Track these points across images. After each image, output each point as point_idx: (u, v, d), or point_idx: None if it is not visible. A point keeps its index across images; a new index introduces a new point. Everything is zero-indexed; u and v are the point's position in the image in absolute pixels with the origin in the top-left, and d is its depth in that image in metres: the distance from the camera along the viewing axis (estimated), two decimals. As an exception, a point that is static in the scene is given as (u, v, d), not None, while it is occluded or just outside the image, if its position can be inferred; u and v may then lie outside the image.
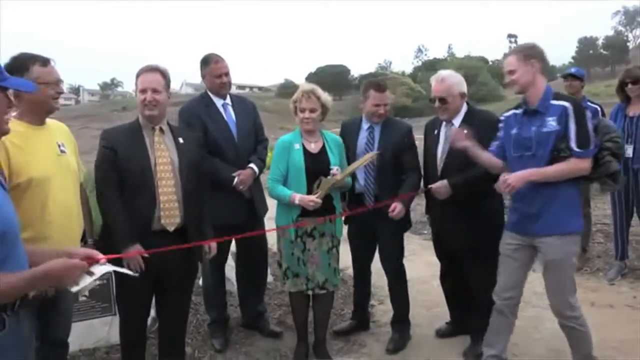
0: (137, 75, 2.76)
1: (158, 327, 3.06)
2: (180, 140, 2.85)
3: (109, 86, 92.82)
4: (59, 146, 2.39)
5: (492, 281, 3.41)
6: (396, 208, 3.33)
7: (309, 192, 3.17)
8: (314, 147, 3.28)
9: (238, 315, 4.00)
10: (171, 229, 2.71)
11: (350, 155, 3.49)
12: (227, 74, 3.54)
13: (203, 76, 3.60)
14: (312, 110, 3.21)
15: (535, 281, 4.68)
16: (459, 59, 64.61)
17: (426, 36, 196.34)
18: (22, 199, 2.15)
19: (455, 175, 3.21)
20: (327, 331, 3.54)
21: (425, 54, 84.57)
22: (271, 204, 3.55)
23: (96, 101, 74.17)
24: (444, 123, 3.38)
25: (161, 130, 2.80)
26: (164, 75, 2.78)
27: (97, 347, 3.41)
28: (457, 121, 3.30)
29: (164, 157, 2.74)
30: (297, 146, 3.25)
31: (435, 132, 3.42)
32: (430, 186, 3.26)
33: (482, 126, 3.20)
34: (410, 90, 56.31)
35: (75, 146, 2.59)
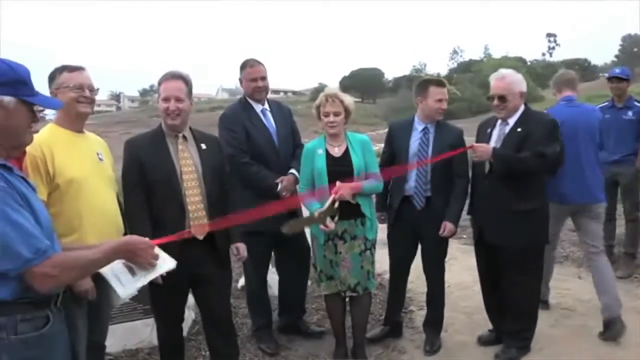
0: (160, 83, 2.74)
1: (204, 326, 3.07)
2: (203, 146, 2.84)
3: (148, 92, 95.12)
4: (98, 154, 2.49)
5: (532, 286, 3.33)
6: (446, 227, 3.37)
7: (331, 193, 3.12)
8: (337, 151, 3.27)
9: (275, 320, 4.01)
10: (201, 237, 2.73)
11: (403, 157, 3.46)
12: (263, 78, 3.56)
13: (240, 80, 3.65)
14: (336, 114, 3.19)
15: (579, 289, 4.55)
16: (496, 59, 63.12)
17: (462, 37, 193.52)
18: (62, 201, 2.25)
19: (502, 176, 3.17)
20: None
21: (461, 55, 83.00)
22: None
23: (136, 107, 76.40)
24: (498, 122, 3.33)
25: (184, 137, 2.79)
26: (187, 82, 2.76)
27: (139, 348, 3.48)
28: (512, 121, 3.25)
29: (188, 165, 2.74)
30: (320, 151, 3.25)
31: (488, 130, 3.37)
32: (473, 144, 3.22)
33: (536, 128, 3.17)
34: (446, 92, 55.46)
35: (112, 160, 2.66)
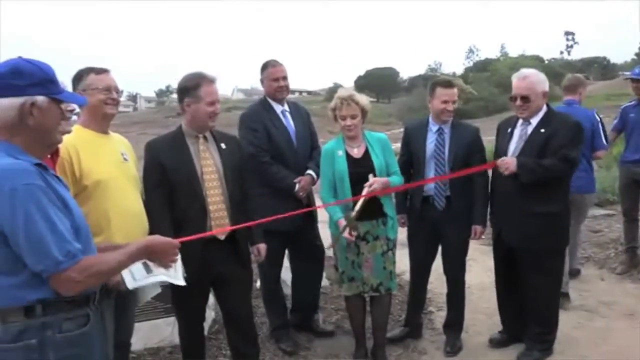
0: (197, 86, 2.68)
1: (225, 325, 3.09)
2: (223, 146, 2.84)
3: (164, 93, 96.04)
4: (122, 154, 2.51)
5: (552, 288, 3.29)
6: (477, 231, 3.39)
7: (353, 196, 3.11)
8: (356, 152, 3.25)
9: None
10: (222, 237, 2.75)
11: (420, 158, 3.45)
12: (284, 78, 3.59)
13: (261, 80, 3.67)
14: (353, 117, 3.18)
15: (602, 290, 4.49)
16: (512, 58, 62.55)
17: (478, 36, 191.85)
18: (90, 202, 2.27)
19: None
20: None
21: (477, 55, 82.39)
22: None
23: (152, 108, 77.14)
24: (519, 122, 3.29)
25: (205, 138, 2.80)
26: None
27: (160, 346, 3.51)
28: (535, 121, 3.22)
29: (209, 165, 2.75)
30: (340, 153, 3.23)
31: (509, 130, 3.34)
32: (500, 159, 3.17)
33: (561, 129, 3.13)
34: (462, 91, 55.12)
35: (135, 159, 2.68)
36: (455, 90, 3.45)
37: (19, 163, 1.53)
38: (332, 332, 3.82)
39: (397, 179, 3.26)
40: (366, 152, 3.25)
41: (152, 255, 1.80)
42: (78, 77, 2.42)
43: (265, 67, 3.62)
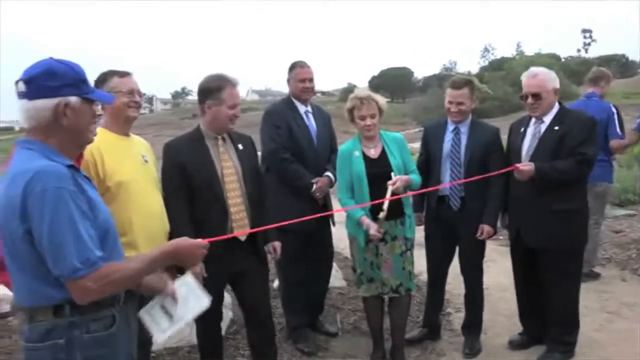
0: (220, 88, 2.69)
1: (245, 323, 3.10)
2: (240, 146, 2.86)
3: (180, 95, 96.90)
4: (143, 156, 2.54)
5: (572, 288, 3.25)
6: (484, 230, 3.32)
7: (372, 198, 3.09)
8: (373, 153, 3.24)
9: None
10: (243, 238, 2.77)
11: (437, 158, 3.44)
12: (311, 80, 3.63)
13: (288, 81, 3.70)
14: (372, 117, 3.16)
15: (623, 292, 4.41)
16: (528, 57, 61.78)
17: (493, 34, 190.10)
18: (112, 203, 2.27)
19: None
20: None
21: (492, 53, 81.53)
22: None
23: (168, 109, 77.85)
24: (532, 120, 3.26)
25: (223, 139, 2.83)
26: None
27: (179, 346, 3.53)
28: (547, 119, 3.19)
29: (229, 167, 2.77)
30: (357, 154, 3.22)
31: (522, 129, 3.31)
32: (517, 165, 3.12)
33: (575, 127, 3.11)
34: (477, 90, 54.62)
35: (155, 161, 2.71)
36: (461, 91, 3.37)
37: (53, 165, 1.54)
38: (335, 333, 3.82)
39: (416, 178, 3.25)
40: (383, 152, 3.24)
41: (179, 259, 1.77)
42: (102, 80, 2.45)
43: (293, 67, 3.65)
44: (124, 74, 2.47)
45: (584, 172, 3.17)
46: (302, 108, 3.64)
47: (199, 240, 1.78)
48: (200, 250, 1.77)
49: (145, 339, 2.55)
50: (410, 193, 3.24)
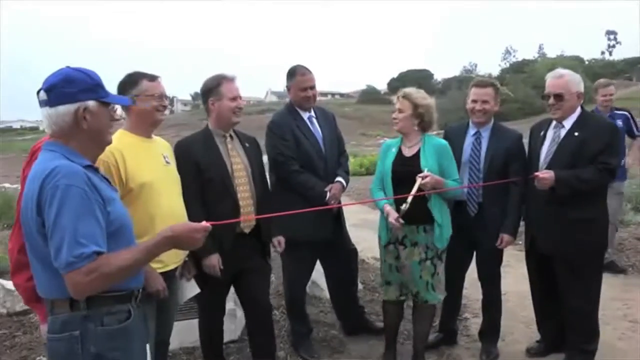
0: (219, 84, 2.87)
1: (246, 316, 3.18)
2: (247, 144, 3.03)
3: (199, 96, 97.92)
4: (164, 157, 2.57)
5: (591, 296, 3.18)
6: (504, 239, 3.29)
7: (396, 193, 3.11)
8: (408, 152, 3.23)
9: (330, 321, 4.02)
10: (247, 231, 2.93)
11: (456, 162, 3.37)
12: (312, 87, 3.51)
13: (288, 88, 3.57)
14: (400, 111, 3.18)
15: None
16: (550, 59, 60.94)
17: (515, 36, 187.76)
18: (134, 205, 2.31)
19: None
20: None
21: (514, 55, 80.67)
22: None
23: (188, 110, 78.69)
24: (552, 124, 3.21)
25: (231, 137, 2.97)
26: None
27: (196, 346, 3.55)
28: (568, 124, 3.12)
29: (238, 163, 2.92)
30: (393, 150, 3.25)
31: (542, 133, 3.26)
32: (536, 174, 3.06)
33: (596, 133, 3.03)
34: (501, 93, 53.99)
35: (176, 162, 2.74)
36: (486, 90, 3.35)
37: (69, 164, 1.62)
38: (381, 329, 3.74)
39: (454, 185, 3.15)
40: (417, 153, 3.20)
41: (179, 243, 1.76)
42: (132, 82, 2.46)
43: (292, 74, 3.50)
44: (153, 78, 2.50)
45: (605, 182, 3.11)
46: (305, 115, 3.55)
47: (201, 223, 1.78)
48: (200, 234, 1.76)
49: (161, 339, 2.60)
50: (422, 193, 3.11)
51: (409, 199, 2.96)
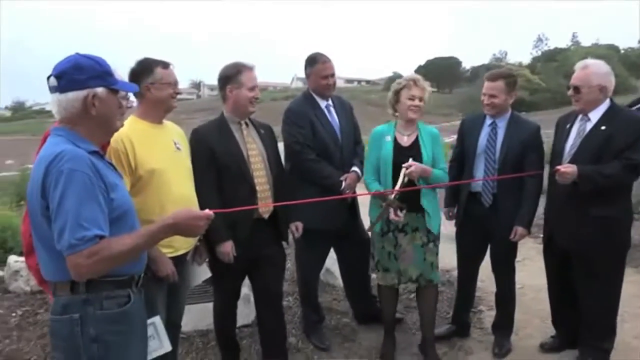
0: (239, 72, 2.86)
1: (256, 304, 3.19)
2: (262, 131, 3.04)
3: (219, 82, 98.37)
4: (175, 144, 2.59)
5: (610, 293, 3.10)
6: (517, 232, 3.23)
7: (395, 185, 3.08)
8: (406, 140, 3.21)
9: (343, 309, 4.04)
10: (266, 216, 2.95)
11: (471, 153, 3.37)
12: (332, 75, 3.49)
13: (307, 75, 3.55)
14: (421, 99, 3.15)
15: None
16: (584, 48, 59.06)
17: (547, 24, 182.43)
18: (145, 191, 2.36)
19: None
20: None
21: (546, 44, 78.40)
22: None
23: (215, 95, 79.31)
24: (579, 117, 3.12)
25: (246, 124, 2.98)
26: None
27: (210, 329, 3.61)
28: (594, 116, 3.02)
29: (253, 149, 2.94)
30: (388, 138, 3.20)
31: (568, 126, 3.17)
32: (558, 167, 2.98)
33: (623, 128, 2.92)
34: (528, 82, 52.83)
35: (188, 147, 2.77)
36: (495, 84, 3.26)
37: (74, 149, 1.65)
38: (400, 319, 3.80)
39: (441, 174, 3.20)
40: (416, 142, 3.19)
41: (180, 230, 1.77)
42: (146, 70, 2.46)
43: (313, 62, 3.47)
44: (166, 65, 2.52)
45: (630, 178, 3.01)
46: (322, 103, 3.52)
47: (204, 211, 1.80)
48: (202, 222, 1.78)
49: (172, 321, 2.65)
50: (435, 185, 3.18)
51: (398, 185, 2.99)
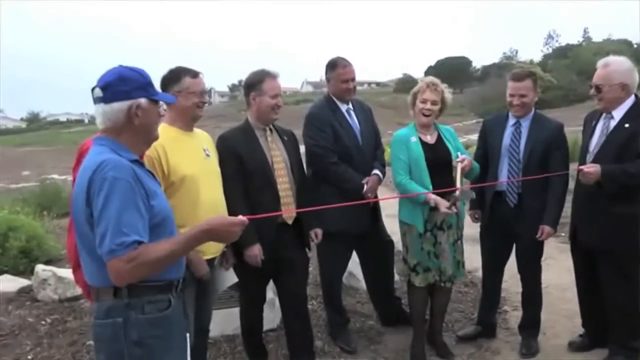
0: (262, 80, 2.92)
1: (282, 307, 3.23)
2: (285, 138, 3.10)
3: (237, 87, 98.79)
4: (204, 150, 2.64)
5: (635, 289, 3.07)
6: (544, 231, 3.23)
7: (432, 182, 3.13)
8: (430, 139, 3.25)
9: (367, 312, 4.05)
10: (290, 221, 3.00)
11: (495, 152, 3.38)
12: (353, 79, 3.51)
13: (328, 79, 3.58)
14: (434, 103, 3.19)
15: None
16: (596, 43, 58.47)
17: (558, 20, 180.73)
18: (176, 197, 2.39)
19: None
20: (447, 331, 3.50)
21: (557, 40, 77.84)
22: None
23: (226, 102, 79.83)
24: (603, 115, 3.10)
25: (270, 130, 3.04)
26: None
27: (236, 334, 3.64)
28: (618, 114, 3.01)
29: (277, 155, 2.99)
30: (414, 139, 3.23)
31: (593, 123, 3.16)
32: (581, 167, 2.98)
33: None
34: (539, 80, 52.37)
35: (217, 153, 2.81)
36: (523, 83, 3.26)
37: (117, 158, 1.70)
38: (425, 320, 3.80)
39: (476, 165, 3.28)
40: (439, 139, 3.28)
41: (216, 236, 1.81)
42: (175, 78, 2.51)
43: (334, 66, 3.50)
44: (195, 74, 2.56)
45: None
46: (343, 107, 3.55)
47: (238, 217, 1.81)
48: (237, 228, 1.80)
49: (200, 326, 2.69)
50: (467, 186, 3.25)
51: (458, 182, 3.04)
